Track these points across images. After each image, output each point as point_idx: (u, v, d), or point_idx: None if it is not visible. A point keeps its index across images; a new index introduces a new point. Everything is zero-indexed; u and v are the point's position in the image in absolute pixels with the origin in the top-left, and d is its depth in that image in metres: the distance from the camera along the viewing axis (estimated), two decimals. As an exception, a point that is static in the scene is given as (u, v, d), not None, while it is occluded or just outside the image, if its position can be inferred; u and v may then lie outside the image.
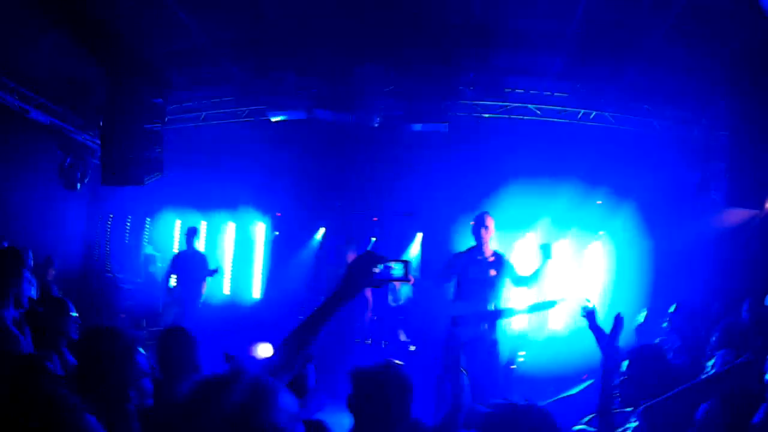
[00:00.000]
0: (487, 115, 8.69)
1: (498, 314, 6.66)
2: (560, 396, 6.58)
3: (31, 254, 5.41)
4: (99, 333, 3.03)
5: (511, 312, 7.02)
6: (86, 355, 2.96)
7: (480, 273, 6.61)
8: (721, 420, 3.33)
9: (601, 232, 9.17)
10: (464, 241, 7.05)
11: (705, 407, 3.33)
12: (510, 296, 7.07)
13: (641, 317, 6.27)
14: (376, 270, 2.22)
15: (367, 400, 2.79)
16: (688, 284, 6.95)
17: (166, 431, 1.78)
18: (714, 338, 4.48)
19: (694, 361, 4.79)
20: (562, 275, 9.26)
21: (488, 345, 6.55)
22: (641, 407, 2.99)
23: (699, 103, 7.21)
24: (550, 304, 7.36)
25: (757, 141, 6.16)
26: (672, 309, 5.48)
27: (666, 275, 7.50)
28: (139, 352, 3.23)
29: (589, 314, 4.09)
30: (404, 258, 2.29)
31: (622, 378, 3.61)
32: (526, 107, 8.47)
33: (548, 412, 2.40)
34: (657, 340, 5.65)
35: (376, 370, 2.87)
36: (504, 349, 6.89)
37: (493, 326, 6.61)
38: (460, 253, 6.83)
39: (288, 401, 1.48)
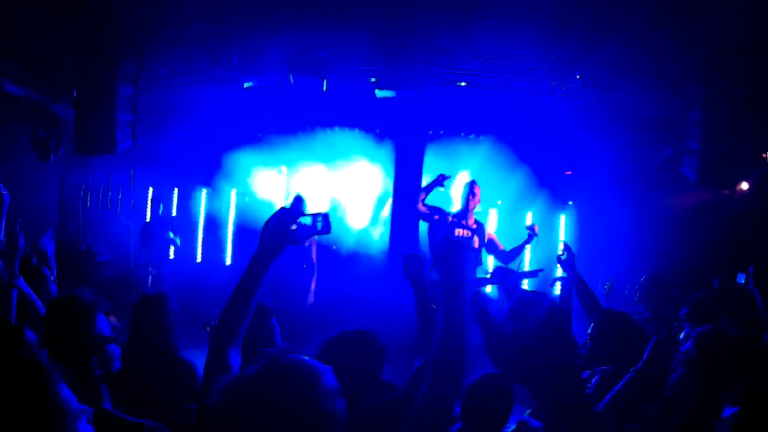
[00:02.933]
0: (460, 83, 8.70)
1: (478, 283, 6.67)
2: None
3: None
4: (58, 302, 3.20)
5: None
6: (48, 324, 3.06)
7: (462, 239, 6.73)
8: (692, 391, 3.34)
9: (569, 203, 9.37)
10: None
11: (673, 380, 3.35)
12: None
13: (608, 287, 6.44)
14: (293, 226, 2.17)
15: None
16: (657, 257, 7.16)
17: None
18: (683, 311, 4.65)
19: (660, 332, 4.94)
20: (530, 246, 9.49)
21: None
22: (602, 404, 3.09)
23: (675, 83, 7.32)
24: (532, 275, 7.43)
25: (730, 123, 6.32)
26: (642, 280, 5.58)
27: (634, 248, 7.70)
28: (101, 317, 3.27)
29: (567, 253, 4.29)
30: (322, 211, 2.26)
31: (586, 341, 3.75)
32: (499, 77, 8.50)
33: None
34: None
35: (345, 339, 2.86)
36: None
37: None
38: (446, 212, 6.90)
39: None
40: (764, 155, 7.04)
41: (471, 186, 6.93)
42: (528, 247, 6.83)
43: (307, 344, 2.96)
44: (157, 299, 3.71)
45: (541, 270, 7.32)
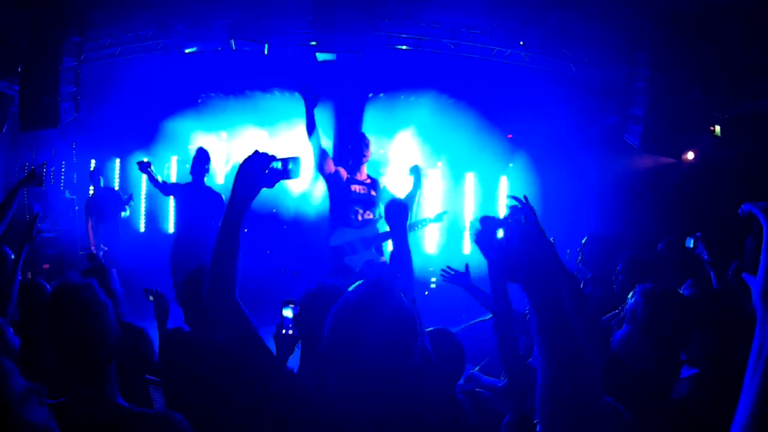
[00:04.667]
0: (401, 47, 8.70)
1: (383, 236, 6.62)
2: (474, 321, 6.94)
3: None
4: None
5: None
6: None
7: (361, 195, 6.57)
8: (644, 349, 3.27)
9: (510, 165, 9.60)
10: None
11: (620, 336, 3.32)
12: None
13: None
14: (266, 171, 2.26)
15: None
16: (601, 222, 7.44)
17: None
18: (619, 266, 4.82)
19: (605, 291, 5.04)
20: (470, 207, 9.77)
21: (381, 268, 6.66)
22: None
23: (622, 51, 7.45)
24: (438, 218, 7.30)
25: (674, 92, 6.53)
26: (583, 241, 5.65)
27: (577, 212, 7.95)
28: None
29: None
30: (293, 156, 2.35)
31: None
32: (442, 41, 8.55)
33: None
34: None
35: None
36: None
37: (380, 249, 6.67)
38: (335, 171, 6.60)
39: None
40: (712, 128, 7.28)
41: (362, 138, 6.71)
42: (418, 193, 6.84)
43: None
44: (96, 272, 3.68)
45: (446, 212, 7.30)
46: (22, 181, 4.40)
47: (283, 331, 3.37)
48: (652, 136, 6.79)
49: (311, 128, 6.22)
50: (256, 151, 2.25)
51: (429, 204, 9.81)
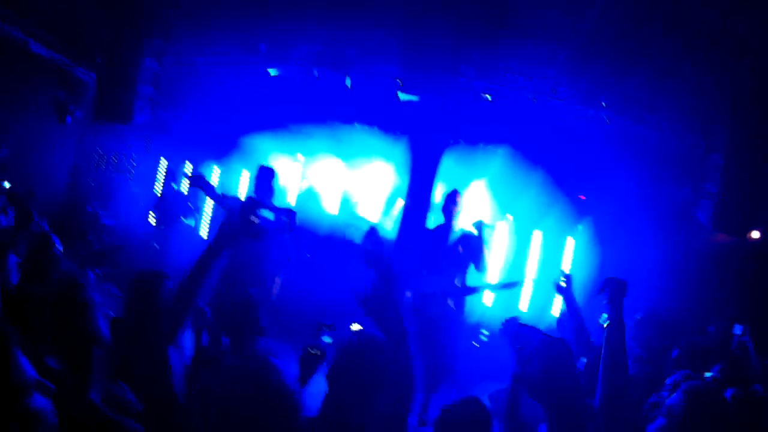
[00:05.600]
0: (486, 96, 8.69)
1: (465, 291, 6.79)
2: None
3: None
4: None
5: (477, 289, 7.11)
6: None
7: (448, 250, 6.74)
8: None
9: (578, 226, 9.32)
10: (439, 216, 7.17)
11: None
12: (478, 275, 7.22)
13: (604, 321, 6.37)
14: (255, 219, 2.18)
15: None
16: (658, 296, 7.09)
17: None
18: (674, 354, 4.61)
19: (653, 373, 4.83)
20: (534, 266, 9.50)
21: (453, 322, 6.69)
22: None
23: (700, 123, 7.27)
24: (518, 283, 7.37)
25: (749, 170, 6.24)
26: (638, 317, 5.38)
27: (635, 282, 7.62)
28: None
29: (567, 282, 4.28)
30: (288, 207, 2.27)
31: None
32: (523, 93, 8.47)
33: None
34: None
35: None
36: (468, 327, 7.03)
37: (460, 303, 6.75)
38: (430, 230, 6.91)
39: None
40: None
41: (453, 196, 6.95)
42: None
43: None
44: (154, 278, 3.69)
45: (517, 283, 7.25)
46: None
47: (310, 350, 3.31)
48: (723, 214, 6.47)
49: None
50: (249, 197, 2.24)
51: (495, 257, 9.64)
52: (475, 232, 6.85)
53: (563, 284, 4.47)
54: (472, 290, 6.97)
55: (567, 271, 4.55)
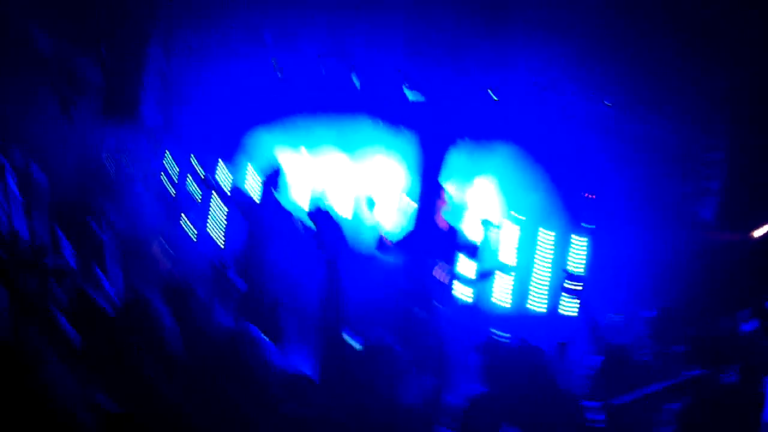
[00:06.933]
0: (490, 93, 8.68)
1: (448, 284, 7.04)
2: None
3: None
4: None
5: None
6: None
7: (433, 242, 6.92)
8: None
9: (585, 225, 9.31)
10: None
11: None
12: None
13: (616, 319, 6.37)
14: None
15: None
16: (667, 293, 7.09)
17: None
18: (684, 350, 4.59)
19: (666, 367, 4.84)
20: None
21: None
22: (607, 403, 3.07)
23: (701, 121, 7.27)
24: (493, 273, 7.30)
25: (751, 166, 6.22)
26: (650, 315, 5.53)
27: (645, 280, 7.62)
28: None
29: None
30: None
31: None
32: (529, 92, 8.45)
33: None
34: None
35: None
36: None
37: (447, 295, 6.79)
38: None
39: None
40: None
41: (438, 191, 6.97)
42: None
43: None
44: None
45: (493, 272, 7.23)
46: None
47: None
48: (726, 211, 6.46)
49: None
50: None
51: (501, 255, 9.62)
52: (481, 230, 6.90)
53: (575, 287, 4.47)
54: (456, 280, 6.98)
55: (574, 272, 4.55)
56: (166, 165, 10.28)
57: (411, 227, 8.87)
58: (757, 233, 7.10)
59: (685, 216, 7.56)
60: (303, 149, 10.15)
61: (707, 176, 6.86)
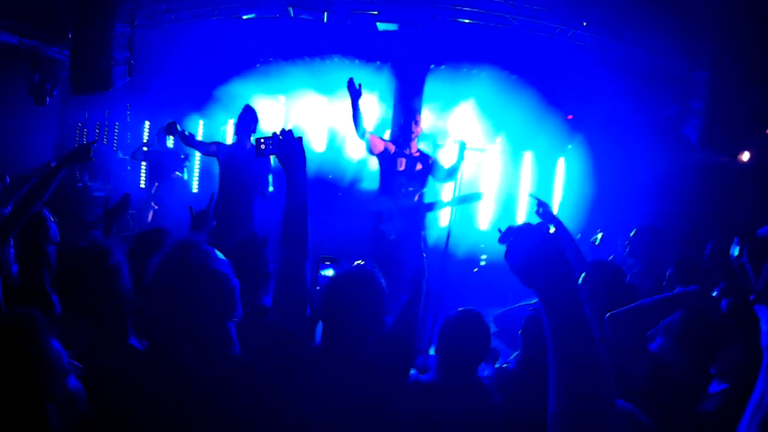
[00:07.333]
0: (464, 20, 8.50)
1: (423, 208, 6.86)
2: (519, 304, 6.86)
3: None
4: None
5: (436, 205, 7.13)
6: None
7: (406, 167, 6.80)
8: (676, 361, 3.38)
9: (569, 146, 9.34)
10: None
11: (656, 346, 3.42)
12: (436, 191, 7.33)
13: (597, 239, 6.46)
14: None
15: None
16: (652, 212, 7.17)
17: None
18: (669, 272, 4.69)
19: (654, 284, 4.95)
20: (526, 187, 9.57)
21: (415, 240, 6.76)
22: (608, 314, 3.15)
23: (684, 39, 7.15)
24: (476, 197, 7.43)
25: (737, 88, 6.19)
26: (633, 233, 5.53)
27: (629, 200, 7.70)
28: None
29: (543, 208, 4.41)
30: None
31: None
32: (505, 17, 8.29)
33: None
34: (611, 257, 5.89)
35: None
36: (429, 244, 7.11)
37: (420, 221, 6.83)
38: (387, 151, 6.88)
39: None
40: (767, 130, 6.92)
41: (412, 115, 7.02)
42: (459, 166, 6.89)
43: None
44: (156, 235, 3.56)
45: (475, 196, 7.31)
46: (67, 158, 4.03)
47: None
48: (710, 131, 6.46)
49: (357, 121, 6.51)
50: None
51: (487, 180, 9.71)
52: (455, 150, 6.91)
53: (540, 210, 4.57)
54: (429, 207, 7.01)
55: (537, 196, 4.64)
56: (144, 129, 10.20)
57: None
58: (744, 157, 7.14)
59: (671, 136, 7.55)
60: (281, 96, 10.05)
61: (691, 96, 6.80)
